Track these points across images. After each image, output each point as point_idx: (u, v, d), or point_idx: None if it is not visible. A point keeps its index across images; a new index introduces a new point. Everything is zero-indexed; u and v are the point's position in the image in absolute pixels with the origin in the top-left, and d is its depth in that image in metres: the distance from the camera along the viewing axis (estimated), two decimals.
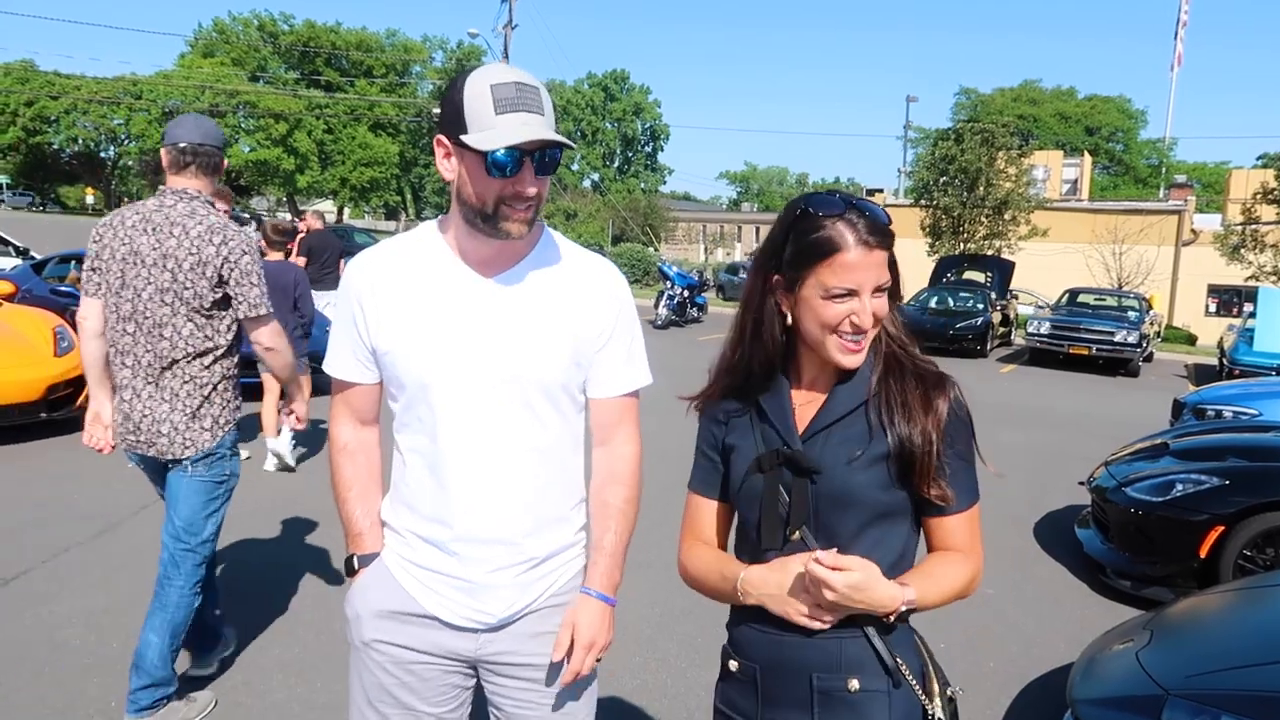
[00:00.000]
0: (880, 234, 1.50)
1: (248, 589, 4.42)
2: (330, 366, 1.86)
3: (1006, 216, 25.78)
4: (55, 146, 56.63)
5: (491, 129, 1.57)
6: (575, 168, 71.08)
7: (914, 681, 1.53)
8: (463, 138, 1.59)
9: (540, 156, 1.62)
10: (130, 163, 57.87)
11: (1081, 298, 20.36)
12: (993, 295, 20.48)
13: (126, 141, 56.18)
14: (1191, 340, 25.22)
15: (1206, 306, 31.20)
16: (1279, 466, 5.32)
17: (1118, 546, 5.33)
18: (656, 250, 41.96)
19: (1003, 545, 5.77)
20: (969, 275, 23.04)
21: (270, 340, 3.22)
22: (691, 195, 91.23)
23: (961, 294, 20.44)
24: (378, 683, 1.83)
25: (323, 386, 7.27)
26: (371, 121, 58.19)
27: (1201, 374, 17.63)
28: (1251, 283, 23.18)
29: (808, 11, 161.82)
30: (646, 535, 4.03)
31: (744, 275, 1.71)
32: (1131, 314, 18.56)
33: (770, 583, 1.54)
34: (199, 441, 3.14)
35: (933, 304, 20.04)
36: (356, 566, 1.88)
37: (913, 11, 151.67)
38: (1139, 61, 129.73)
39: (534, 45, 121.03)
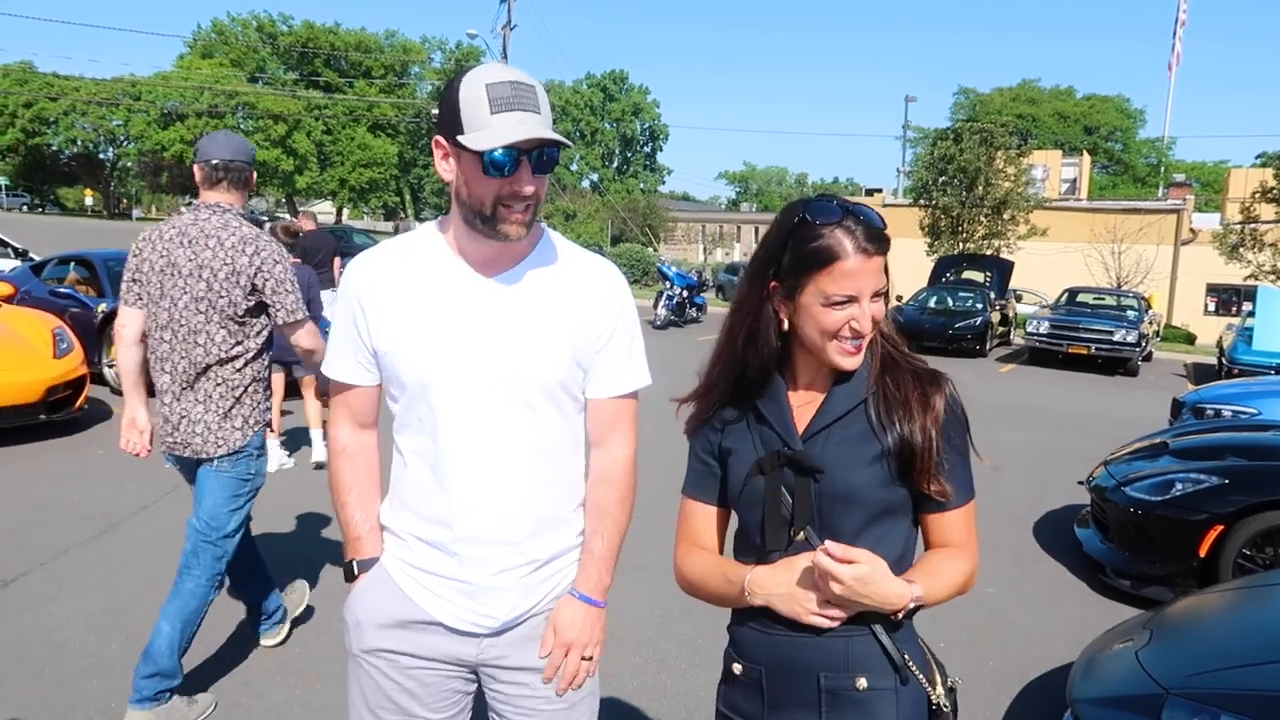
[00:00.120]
0: (877, 240, 1.51)
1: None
2: (329, 368, 1.85)
3: (1005, 216, 25.78)
4: (54, 148, 56.60)
5: (487, 128, 1.57)
6: (574, 168, 71.08)
7: (919, 674, 1.54)
8: (459, 138, 1.59)
9: (538, 156, 1.62)
10: (129, 164, 57.87)
11: (1080, 297, 20.36)
12: (992, 295, 20.49)
13: (125, 143, 56.18)
14: (1190, 339, 25.22)
15: (1205, 305, 31.22)
16: (1278, 465, 5.33)
17: (1117, 546, 5.33)
18: (655, 250, 41.97)
19: (1002, 544, 5.78)
20: (968, 275, 23.04)
21: (309, 342, 3.34)
22: (690, 195, 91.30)
23: (961, 294, 20.43)
24: (378, 689, 1.81)
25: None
26: (370, 122, 58.20)
27: (1200, 373, 17.65)
28: (1250, 282, 23.18)
29: (806, 12, 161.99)
30: (644, 537, 4.03)
31: (743, 277, 1.69)
32: (1130, 313, 18.56)
33: (778, 582, 1.54)
34: (230, 440, 3.29)
35: (932, 304, 20.04)
36: (356, 572, 1.86)
37: (911, 11, 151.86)
38: (1137, 61, 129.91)
39: (533, 46, 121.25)
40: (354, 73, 60.41)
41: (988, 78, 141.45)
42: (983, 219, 25.85)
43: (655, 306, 20.06)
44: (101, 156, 59.44)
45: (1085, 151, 48.80)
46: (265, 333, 3.35)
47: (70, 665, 3.69)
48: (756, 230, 56.33)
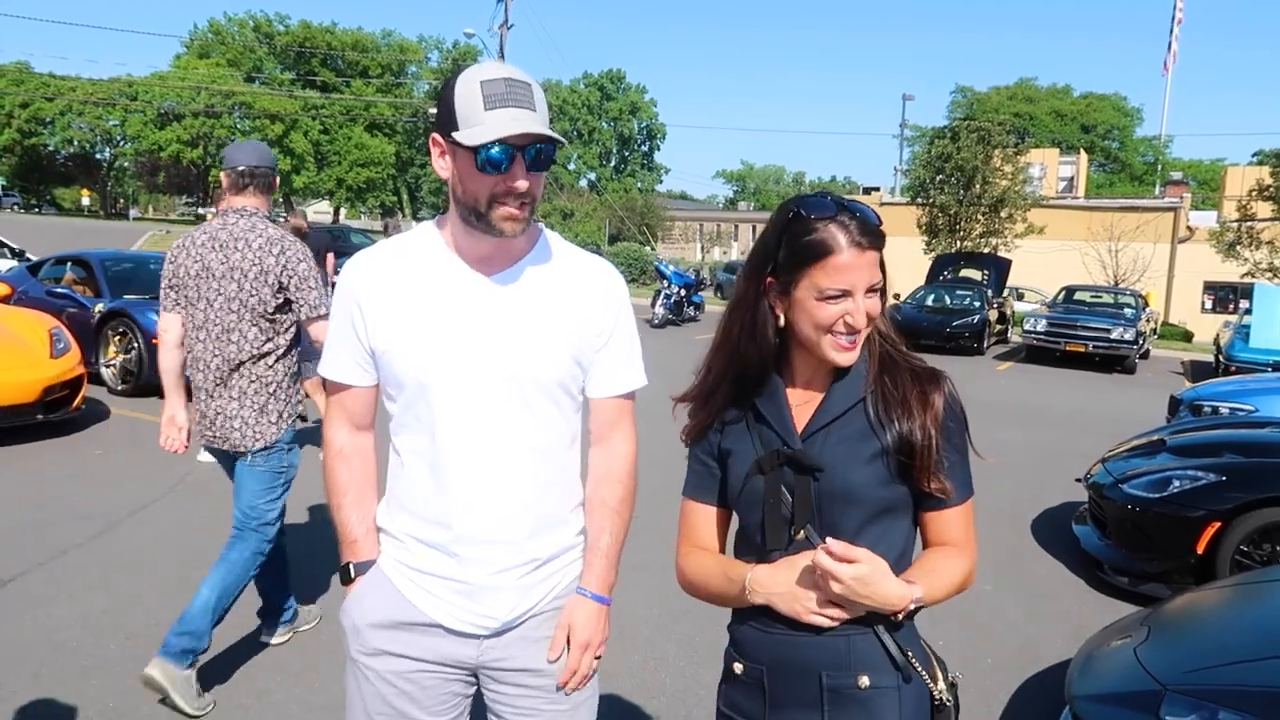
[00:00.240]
0: (872, 235, 1.51)
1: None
2: (326, 369, 1.84)
3: (1003, 214, 25.78)
4: (50, 148, 56.51)
5: (481, 124, 1.57)
6: (572, 167, 71.06)
7: (921, 670, 1.54)
8: (454, 134, 1.59)
9: (533, 153, 1.62)
10: (126, 164, 57.82)
11: (1078, 295, 20.39)
12: (989, 293, 20.51)
13: (122, 143, 56.11)
14: (1188, 337, 25.25)
15: (1202, 303, 31.26)
16: (1275, 462, 5.34)
17: (1115, 543, 5.34)
18: (653, 249, 41.97)
19: (1000, 542, 5.79)
20: (965, 273, 23.09)
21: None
22: (688, 194, 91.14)
23: (958, 292, 20.46)
24: (377, 694, 1.80)
25: None
26: (367, 122, 58.18)
27: (1198, 370, 17.66)
28: (1247, 279, 23.20)
29: (803, 11, 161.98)
30: (642, 536, 4.03)
31: (740, 275, 1.69)
32: (1128, 311, 18.58)
33: (778, 581, 1.54)
34: (266, 434, 3.48)
35: (929, 302, 20.06)
36: (353, 575, 1.84)
37: (908, 10, 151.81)
38: (1134, 59, 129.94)
39: (530, 45, 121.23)
40: (351, 72, 60.38)
41: (985, 76, 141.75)
42: (980, 217, 25.86)
43: (653, 305, 20.06)
44: (98, 157, 59.36)
45: (1082, 150, 48.90)
46: (293, 330, 3.52)
47: (69, 666, 3.69)
48: (754, 229, 56.26)
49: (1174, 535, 5.01)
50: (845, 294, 1.50)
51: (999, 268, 23.04)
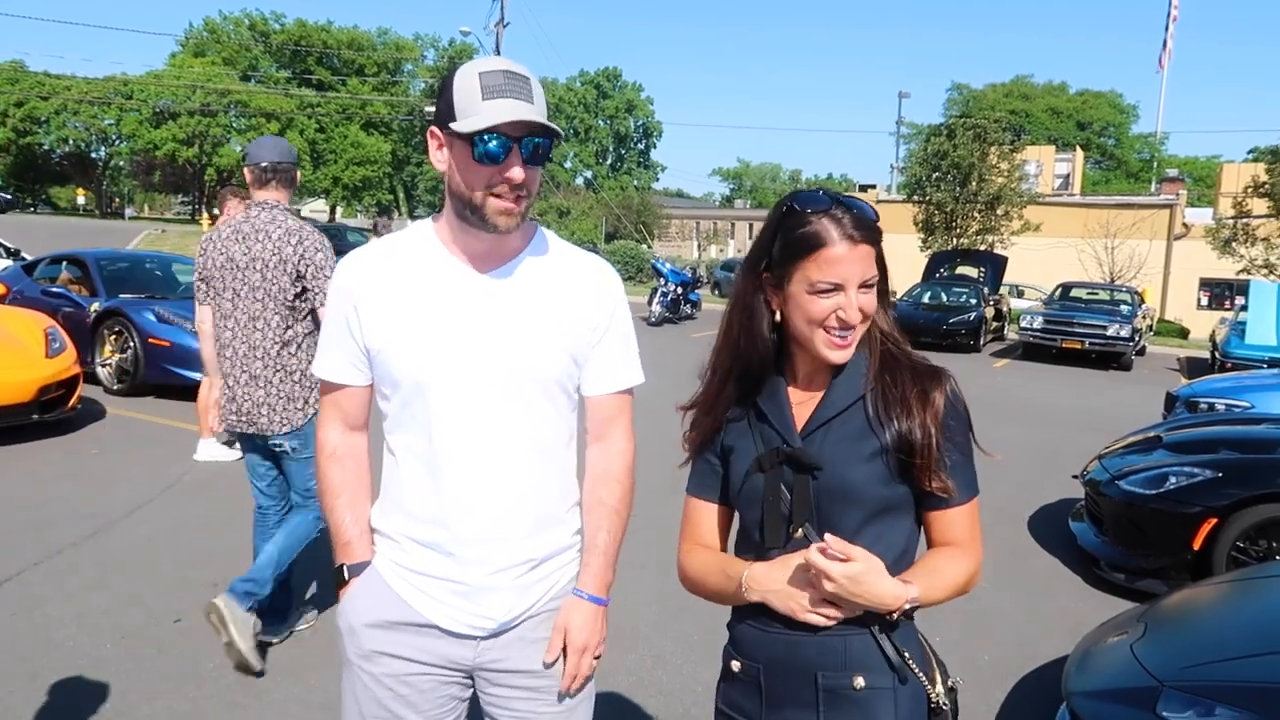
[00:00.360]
0: (865, 229, 1.50)
1: None
2: (320, 368, 1.82)
3: (999, 211, 25.82)
4: (46, 147, 56.35)
5: (477, 114, 1.56)
6: (568, 165, 71.05)
7: (919, 672, 1.54)
8: (451, 125, 1.59)
9: (530, 147, 1.61)
10: (121, 163, 57.69)
11: (1074, 292, 20.42)
12: (986, 290, 20.53)
13: (117, 142, 55.95)
14: (1184, 334, 25.29)
15: (1198, 300, 31.31)
16: (1271, 459, 5.35)
17: (1111, 539, 5.35)
18: (650, 247, 41.96)
19: (997, 539, 5.79)
20: (962, 270, 23.12)
21: None
22: (684, 192, 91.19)
23: (955, 289, 20.50)
24: (373, 698, 1.78)
25: None
26: (363, 120, 58.11)
27: (1194, 367, 17.70)
28: (1243, 276, 23.26)
29: (800, 9, 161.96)
30: (641, 534, 4.03)
31: (737, 272, 1.70)
32: (1124, 308, 18.62)
33: (774, 579, 1.54)
34: (293, 419, 3.65)
35: (926, 299, 20.08)
36: (346, 577, 1.81)
37: (904, 8, 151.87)
38: (1130, 56, 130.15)
39: (526, 43, 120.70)
40: (347, 71, 60.32)
41: (981, 74, 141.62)
42: (976, 214, 25.89)
43: (650, 303, 20.07)
44: (93, 156, 59.22)
45: (1078, 147, 48.90)
46: (310, 317, 3.68)
47: (67, 665, 3.68)
48: (750, 227, 56.28)
49: (1170, 531, 5.01)
50: (837, 288, 1.50)
51: (995, 265, 23.08)
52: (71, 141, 56.30)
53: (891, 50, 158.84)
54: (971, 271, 22.97)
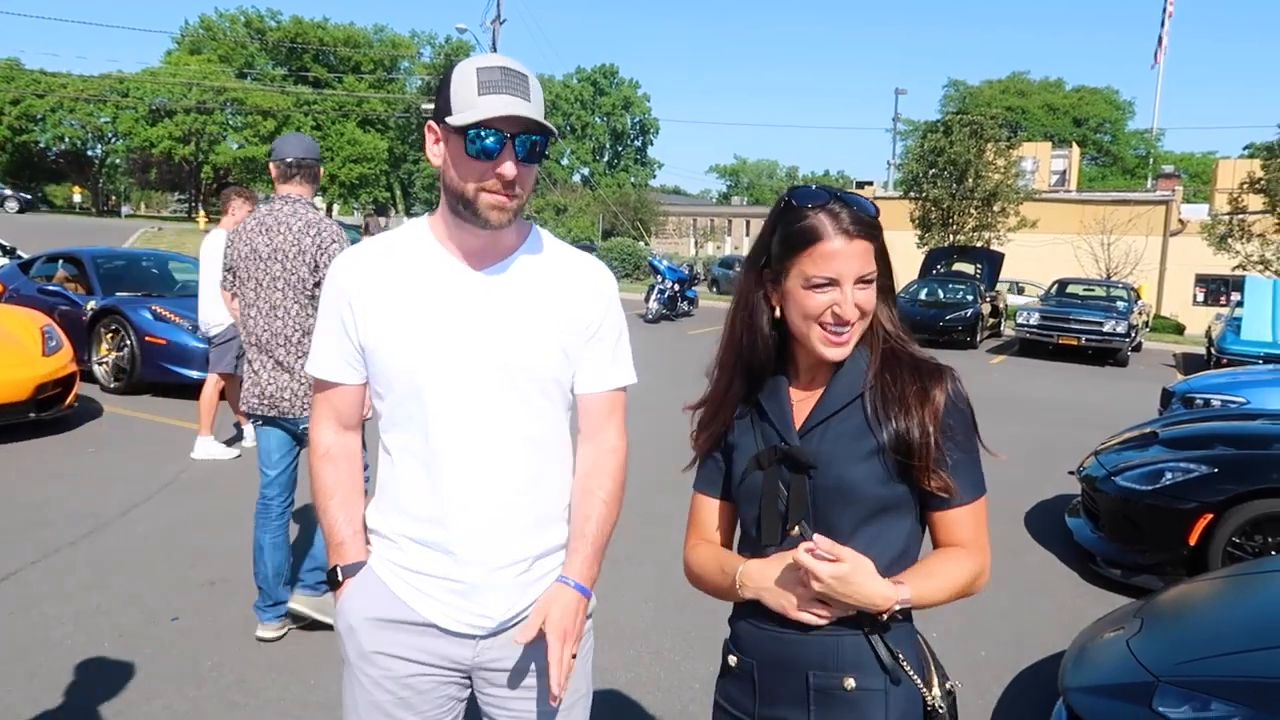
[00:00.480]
0: (862, 224, 1.50)
1: (241, 586, 4.41)
2: (314, 366, 1.81)
3: (995, 208, 25.84)
4: (41, 145, 56.20)
5: (473, 109, 1.56)
6: (565, 163, 71.00)
7: (913, 674, 1.52)
8: (446, 119, 1.59)
9: (525, 145, 1.61)
10: (117, 161, 57.56)
11: (1070, 288, 20.44)
12: (982, 287, 20.56)
13: (113, 140, 55.82)
14: (1179, 329, 25.34)
15: (1194, 296, 31.33)
16: (1267, 454, 5.36)
17: (1108, 535, 5.37)
18: (647, 245, 41.92)
19: (993, 535, 5.72)
20: (958, 267, 23.14)
21: None
22: (681, 189, 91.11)
23: (951, 286, 20.52)
24: (371, 702, 1.77)
25: None
26: (360, 118, 58.02)
27: (1190, 363, 17.73)
28: (1239, 272, 23.29)
29: (796, 5, 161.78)
30: (637, 532, 4.04)
31: (739, 269, 1.72)
32: (1120, 304, 18.65)
33: (767, 576, 1.54)
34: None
35: (923, 296, 20.10)
36: (341, 578, 1.80)
37: (901, 5, 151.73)
38: (1126, 53, 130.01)
39: (522, 40, 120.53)
40: (343, 68, 60.21)
41: (977, 70, 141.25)
42: (973, 211, 25.91)
43: (647, 300, 20.07)
44: (89, 154, 59.05)
45: (1074, 143, 48.92)
46: None
47: (65, 665, 3.68)
48: (747, 224, 56.34)
49: (1166, 527, 5.03)
50: (832, 283, 1.49)
51: (992, 262, 23.11)
52: (67, 139, 56.09)
53: (888, 47, 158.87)
54: (968, 268, 23.00)
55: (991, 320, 20.64)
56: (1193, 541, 4.92)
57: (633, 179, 73.57)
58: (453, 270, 1.71)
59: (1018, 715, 3.75)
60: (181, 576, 4.64)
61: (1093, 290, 20.55)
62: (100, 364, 9.12)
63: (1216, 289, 30.53)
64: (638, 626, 4.28)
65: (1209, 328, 18.63)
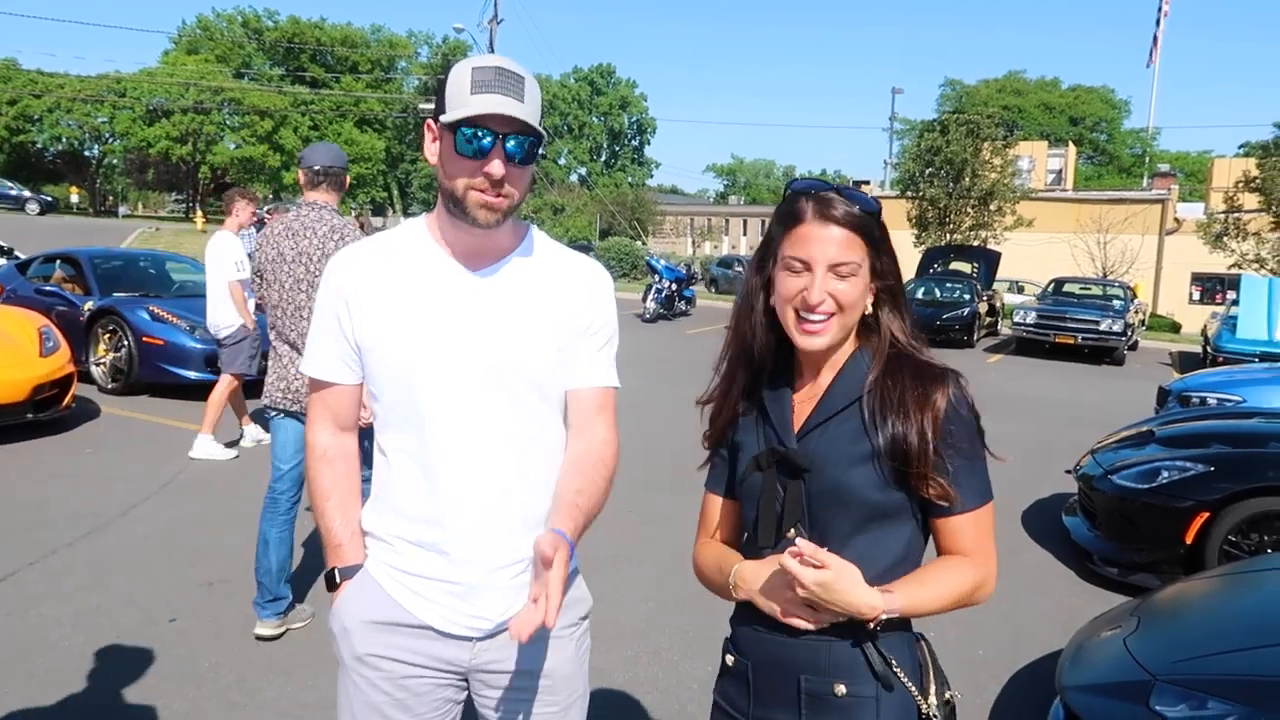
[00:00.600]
0: (845, 213, 1.49)
1: (239, 586, 4.41)
2: (309, 366, 1.81)
3: (992, 207, 25.87)
4: (39, 145, 56.07)
5: (465, 106, 1.57)
6: (562, 162, 70.98)
7: (908, 682, 1.51)
8: (441, 117, 1.60)
9: (517, 146, 1.61)
10: (115, 161, 57.43)
11: (1067, 287, 20.46)
12: (979, 286, 20.57)
13: (111, 140, 55.67)
14: (1176, 328, 25.38)
15: (1190, 294, 31.37)
16: (1263, 452, 5.37)
17: (1104, 534, 5.38)
18: (644, 244, 41.91)
19: None
20: (955, 266, 23.15)
21: None
22: (679, 189, 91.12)
23: (948, 285, 20.51)
24: (367, 701, 1.76)
25: None
26: (357, 118, 57.95)
27: (1186, 361, 17.74)
28: (1234, 270, 23.33)
29: (793, 5, 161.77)
30: (637, 532, 4.05)
31: (739, 268, 1.73)
32: (1116, 303, 18.66)
33: (759, 578, 1.54)
34: None
35: (919, 295, 20.10)
36: (338, 580, 1.78)
37: (898, 4, 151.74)
38: (1122, 52, 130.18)
39: (520, 40, 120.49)
40: (340, 68, 60.14)
41: (974, 70, 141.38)
42: (969, 210, 25.93)
43: (644, 300, 20.05)
44: (87, 154, 58.88)
45: (1071, 142, 48.94)
46: None
47: (64, 665, 3.68)
48: (745, 223, 56.39)
49: (1163, 526, 5.04)
50: (806, 266, 1.49)
51: (989, 260, 23.12)
52: (65, 140, 55.93)
53: (885, 46, 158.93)
54: (965, 267, 23.00)
55: (988, 319, 20.65)
56: (1189, 540, 4.93)
57: (630, 178, 73.58)
58: (447, 270, 1.72)
59: (1015, 714, 3.75)
60: (180, 577, 4.64)
61: (1089, 289, 20.57)
62: (98, 364, 9.11)
63: (1212, 287, 30.57)
64: (636, 627, 4.28)
65: (1205, 326, 18.68)
